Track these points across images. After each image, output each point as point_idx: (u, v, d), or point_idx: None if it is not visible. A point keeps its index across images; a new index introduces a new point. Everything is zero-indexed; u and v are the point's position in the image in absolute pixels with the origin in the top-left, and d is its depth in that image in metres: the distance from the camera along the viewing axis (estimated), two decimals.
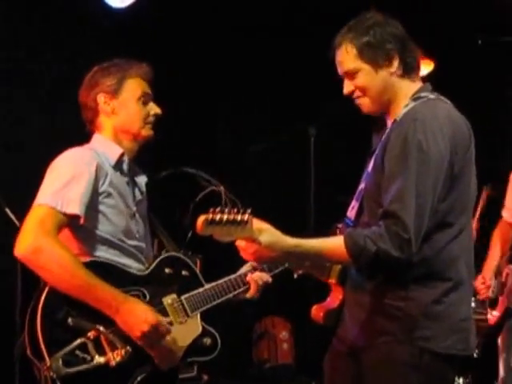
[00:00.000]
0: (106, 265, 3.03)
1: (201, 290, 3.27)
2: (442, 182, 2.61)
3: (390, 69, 2.75)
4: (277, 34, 6.03)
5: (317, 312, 2.91)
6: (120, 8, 5.32)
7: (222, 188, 3.64)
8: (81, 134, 3.35)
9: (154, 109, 3.25)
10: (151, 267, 3.19)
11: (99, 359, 2.87)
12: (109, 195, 3.08)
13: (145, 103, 3.23)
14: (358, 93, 2.80)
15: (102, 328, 2.91)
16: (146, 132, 3.23)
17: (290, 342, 6.06)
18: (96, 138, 3.24)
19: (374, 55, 2.74)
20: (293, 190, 5.52)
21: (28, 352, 2.88)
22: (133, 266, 3.14)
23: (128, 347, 2.93)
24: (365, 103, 2.81)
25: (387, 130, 2.76)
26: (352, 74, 2.78)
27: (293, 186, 5.52)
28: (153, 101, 3.28)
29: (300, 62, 6.00)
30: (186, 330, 3.15)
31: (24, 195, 3.22)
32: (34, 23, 5.22)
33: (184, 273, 3.28)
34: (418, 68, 2.83)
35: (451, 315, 2.66)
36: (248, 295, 3.43)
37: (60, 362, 2.80)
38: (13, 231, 3.85)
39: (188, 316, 3.19)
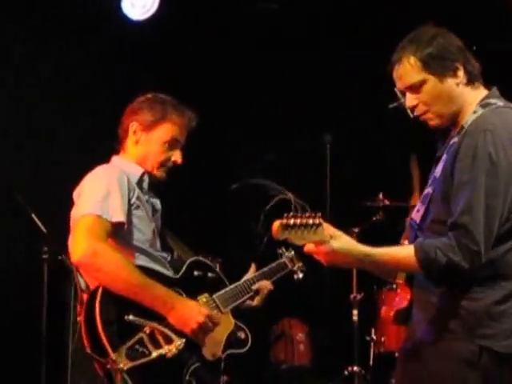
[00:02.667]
0: (143, 268, 3.17)
1: (228, 288, 3.47)
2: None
3: (455, 79, 2.76)
4: (288, 45, 6.11)
5: (387, 312, 2.98)
6: (139, 20, 5.40)
7: (290, 195, 3.74)
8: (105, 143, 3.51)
9: (175, 156, 3.38)
10: (182, 270, 3.35)
11: (157, 352, 3.03)
12: (137, 207, 3.24)
13: (170, 148, 3.37)
14: (422, 107, 2.79)
15: (156, 323, 3.06)
16: (159, 174, 3.38)
17: (306, 343, 6.09)
18: (116, 160, 3.39)
19: (438, 66, 2.74)
20: (309, 197, 5.54)
21: (88, 350, 3.01)
22: (163, 271, 3.30)
23: (182, 339, 3.08)
24: (431, 117, 2.80)
25: (455, 138, 2.75)
26: (417, 88, 2.77)
27: (309, 194, 5.52)
28: (180, 148, 3.40)
29: (314, 69, 6.08)
30: (221, 326, 3.32)
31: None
32: (53, 36, 5.32)
33: (210, 275, 3.47)
34: (479, 76, 2.82)
35: None
36: (255, 302, 3.63)
37: (124, 355, 2.96)
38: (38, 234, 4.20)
39: (221, 312, 3.37)
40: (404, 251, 2.70)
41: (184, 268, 3.38)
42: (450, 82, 2.76)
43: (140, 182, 3.35)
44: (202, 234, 5.84)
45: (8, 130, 5.07)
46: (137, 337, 3.01)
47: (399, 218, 4.55)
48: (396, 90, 2.85)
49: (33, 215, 4.51)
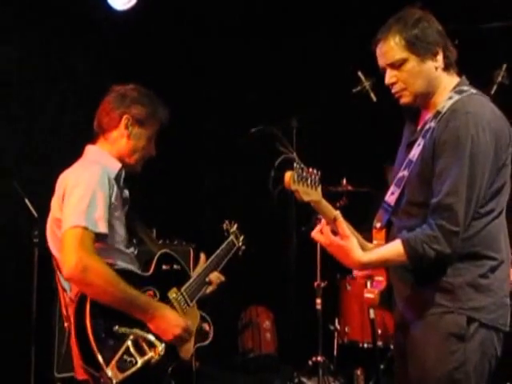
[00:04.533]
0: (121, 271, 3.20)
1: (191, 280, 3.51)
2: (489, 173, 2.76)
3: (435, 63, 2.87)
4: (255, 29, 6.15)
5: (370, 298, 2.99)
6: (123, 10, 5.47)
7: (294, 155, 3.92)
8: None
9: (153, 151, 3.44)
10: (152, 266, 3.39)
11: (142, 359, 3.07)
12: (115, 208, 3.24)
13: (152, 143, 3.44)
14: (400, 85, 2.89)
15: (139, 331, 3.11)
16: (138, 168, 3.43)
17: (272, 331, 6.10)
18: (94, 153, 3.36)
19: (421, 47, 2.84)
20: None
21: (82, 363, 3.04)
22: (137, 271, 3.34)
23: (162, 345, 3.14)
24: (406, 95, 2.90)
25: (431, 122, 2.85)
26: (398, 65, 2.87)
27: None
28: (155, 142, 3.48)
29: (282, 55, 6.12)
30: (190, 319, 3.36)
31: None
32: (37, 25, 5.37)
33: (176, 267, 3.50)
34: (455, 63, 2.94)
35: (496, 290, 2.80)
36: (208, 291, 3.67)
37: (116, 369, 2.99)
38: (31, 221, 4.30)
39: (189, 306, 3.43)
40: (394, 250, 2.78)
41: (154, 264, 3.41)
42: (430, 64, 2.87)
43: (118, 177, 3.34)
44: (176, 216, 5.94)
45: None
46: (124, 347, 3.05)
47: (362, 204, 4.51)
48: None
49: (26, 200, 4.58)
